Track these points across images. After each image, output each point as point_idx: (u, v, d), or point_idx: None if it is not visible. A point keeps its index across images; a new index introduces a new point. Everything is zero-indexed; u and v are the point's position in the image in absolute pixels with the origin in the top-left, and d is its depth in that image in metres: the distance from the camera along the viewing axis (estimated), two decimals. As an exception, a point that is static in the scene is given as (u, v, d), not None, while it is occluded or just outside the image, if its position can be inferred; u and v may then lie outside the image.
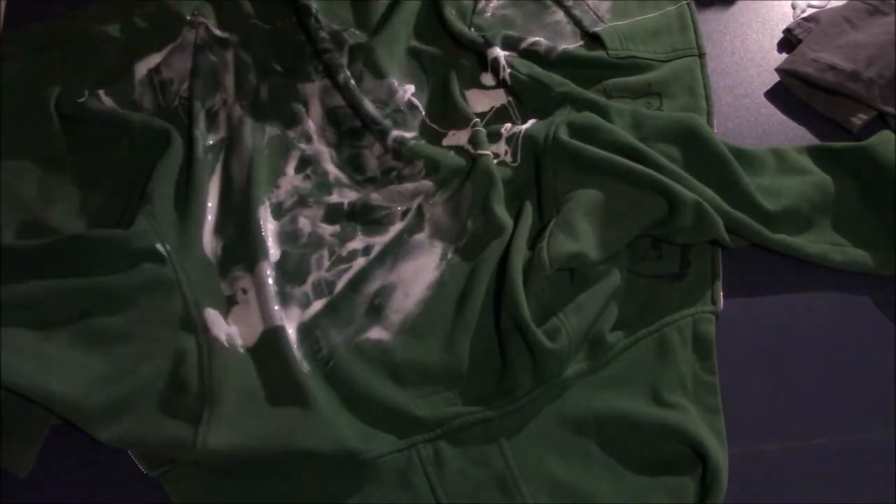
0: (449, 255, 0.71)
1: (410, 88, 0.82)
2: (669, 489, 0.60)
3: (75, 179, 0.75)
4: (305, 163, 0.77)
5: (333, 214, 0.74)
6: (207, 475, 0.61)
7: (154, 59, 0.82)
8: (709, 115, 0.79)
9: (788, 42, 0.86)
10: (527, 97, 0.80)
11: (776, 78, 0.83)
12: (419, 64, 0.84)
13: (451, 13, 0.86)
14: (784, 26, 0.86)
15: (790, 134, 0.79)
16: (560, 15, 0.87)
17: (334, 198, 0.75)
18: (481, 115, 0.80)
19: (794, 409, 0.64)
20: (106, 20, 0.84)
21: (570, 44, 0.84)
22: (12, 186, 0.73)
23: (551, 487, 0.61)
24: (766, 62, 0.85)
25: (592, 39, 0.84)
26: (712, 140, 0.72)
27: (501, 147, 0.77)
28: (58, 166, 0.75)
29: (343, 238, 0.73)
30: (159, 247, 0.68)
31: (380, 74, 0.82)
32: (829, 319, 0.69)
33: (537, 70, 0.80)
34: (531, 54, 0.82)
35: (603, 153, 0.70)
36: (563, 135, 0.73)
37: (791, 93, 0.82)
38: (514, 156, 0.76)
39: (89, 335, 0.63)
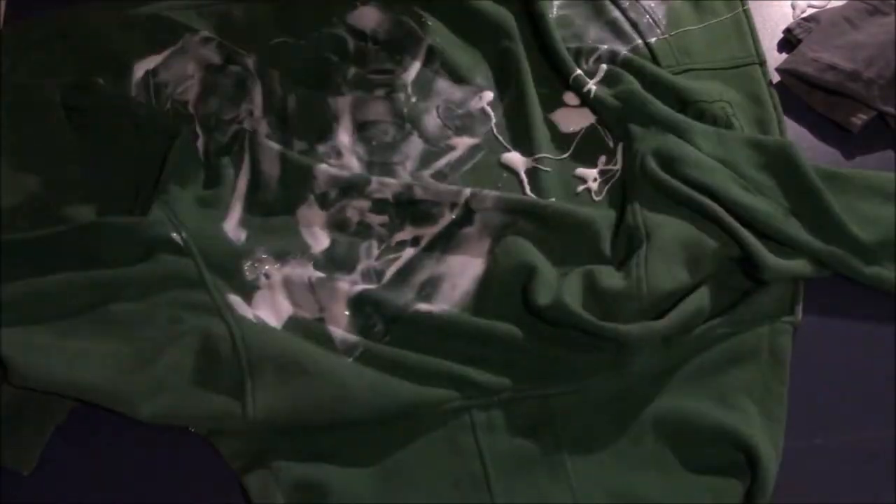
0: (497, 250, 0.70)
1: (488, 96, 0.81)
2: (715, 490, 0.61)
3: (83, 168, 0.75)
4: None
5: (381, 206, 0.74)
6: (255, 431, 0.62)
7: (153, 61, 0.81)
8: (779, 122, 0.79)
9: (788, 42, 0.85)
10: (609, 117, 0.78)
11: (776, 77, 0.83)
12: (504, 69, 0.83)
13: (553, 23, 0.83)
14: (784, 26, 0.86)
15: (791, 134, 0.79)
16: (618, 13, 0.86)
17: (375, 189, 0.74)
18: (571, 136, 0.79)
19: (794, 409, 0.64)
20: (106, 18, 0.84)
21: (630, 42, 0.83)
22: (20, 177, 0.73)
23: (597, 475, 0.62)
24: (767, 62, 0.84)
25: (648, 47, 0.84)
26: (804, 168, 0.71)
27: (591, 174, 0.76)
28: (65, 155, 0.75)
29: (392, 228, 0.73)
30: (175, 235, 0.68)
31: (458, 79, 0.82)
32: (829, 319, 0.69)
33: (623, 88, 0.78)
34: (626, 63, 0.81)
35: (694, 194, 0.70)
36: (652, 164, 0.73)
37: (791, 92, 0.82)
38: (599, 190, 0.75)
39: (112, 323, 0.64)
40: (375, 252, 0.72)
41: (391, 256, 0.71)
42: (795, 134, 0.80)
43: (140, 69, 0.81)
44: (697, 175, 0.71)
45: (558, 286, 0.66)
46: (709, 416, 0.63)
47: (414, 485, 0.61)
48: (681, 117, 0.76)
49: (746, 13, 0.87)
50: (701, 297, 0.66)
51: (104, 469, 0.63)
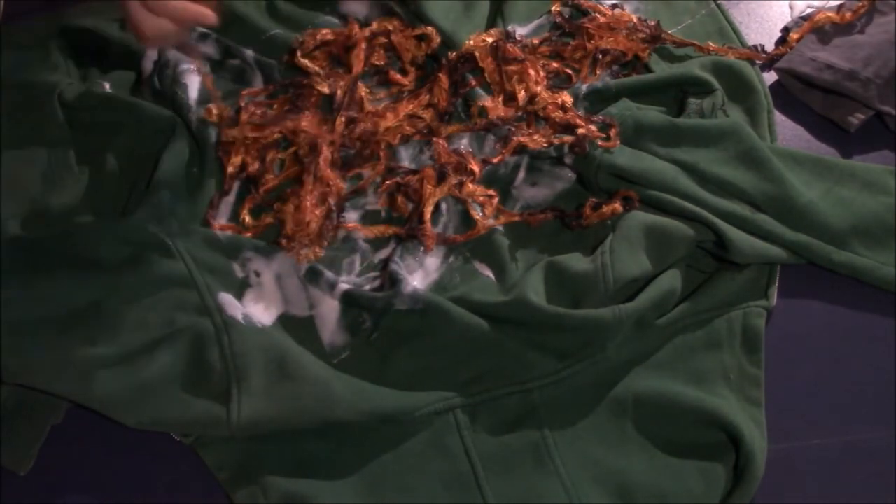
0: (451, 259, 0.71)
1: None
2: (702, 471, 0.61)
3: (80, 168, 0.75)
4: (341, 160, 0.77)
5: (370, 222, 0.74)
6: (241, 440, 0.62)
7: (152, 59, 0.81)
8: (769, 112, 0.78)
9: (786, 41, 0.85)
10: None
11: (774, 77, 0.83)
12: None
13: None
14: (782, 26, 0.86)
15: (788, 134, 0.79)
16: None
17: (371, 202, 0.75)
18: None
19: (794, 409, 0.65)
20: (104, 18, 0.84)
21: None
22: (16, 176, 0.73)
23: (584, 461, 0.62)
24: (754, 51, 0.84)
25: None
26: (762, 152, 0.71)
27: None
28: (62, 155, 0.75)
29: (377, 245, 0.73)
30: (164, 236, 0.68)
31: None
32: (829, 319, 0.69)
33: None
34: (595, 93, 0.78)
35: (652, 192, 0.70)
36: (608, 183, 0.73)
37: (789, 92, 0.82)
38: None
39: (102, 325, 0.64)
40: (357, 268, 0.72)
41: (373, 274, 0.71)
42: (792, 133, 0.80)
43: (140, 66, 0.81)
44: (657, 194, 0.71)
45: (520, 282, 0.67)
46: (689, 398, 0.63)
47: (404, 490, 0.61)
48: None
49: (719, 6, 0.87)
50: (672, 278, 0.67)
51: (101, 469, 0.63)
